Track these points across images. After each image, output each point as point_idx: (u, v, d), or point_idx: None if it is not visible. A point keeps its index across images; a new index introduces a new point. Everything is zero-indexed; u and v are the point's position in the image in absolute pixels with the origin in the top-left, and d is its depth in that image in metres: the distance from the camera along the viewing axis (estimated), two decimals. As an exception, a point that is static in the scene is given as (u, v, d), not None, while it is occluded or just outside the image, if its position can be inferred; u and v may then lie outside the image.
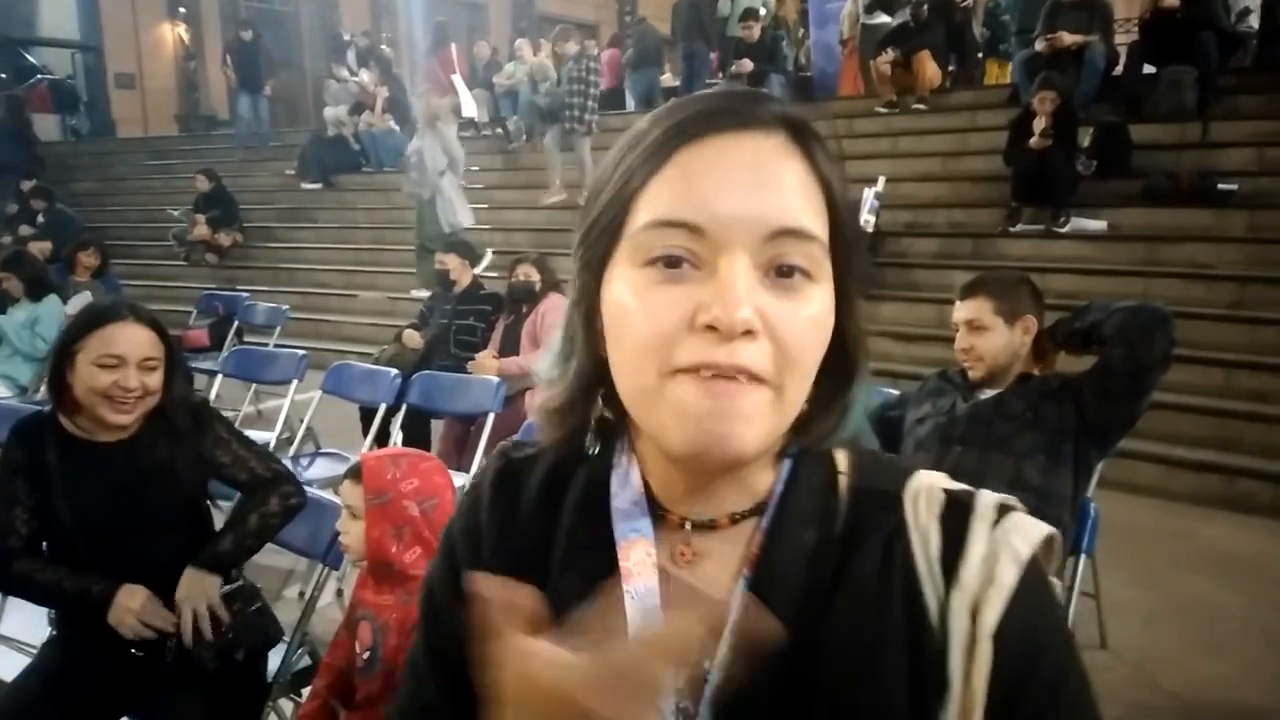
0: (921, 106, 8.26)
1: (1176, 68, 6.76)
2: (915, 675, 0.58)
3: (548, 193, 8.72)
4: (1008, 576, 0.58)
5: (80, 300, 5.31)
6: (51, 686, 1.88)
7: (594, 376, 0.65)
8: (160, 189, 11.18)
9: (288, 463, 3.62)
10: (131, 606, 1.80)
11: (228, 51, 11.63)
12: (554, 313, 4.23)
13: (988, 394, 2.34)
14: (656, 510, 0.66)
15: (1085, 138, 6.46)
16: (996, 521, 0.61)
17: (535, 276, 4.33)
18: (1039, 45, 7.11)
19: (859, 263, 0.63)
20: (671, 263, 0.57)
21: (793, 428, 0.62)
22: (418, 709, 0.74)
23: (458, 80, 9.06)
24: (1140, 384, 2.19)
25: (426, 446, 4.18)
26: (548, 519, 0.69)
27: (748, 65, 8.50)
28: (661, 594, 0.63)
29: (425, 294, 6.04)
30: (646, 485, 0.67)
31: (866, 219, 6.38)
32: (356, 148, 10.61)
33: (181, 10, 15.01)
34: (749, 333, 0.55)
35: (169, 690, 1.86)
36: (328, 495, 2.23)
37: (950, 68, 8.85)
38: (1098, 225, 6.34)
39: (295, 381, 4.17)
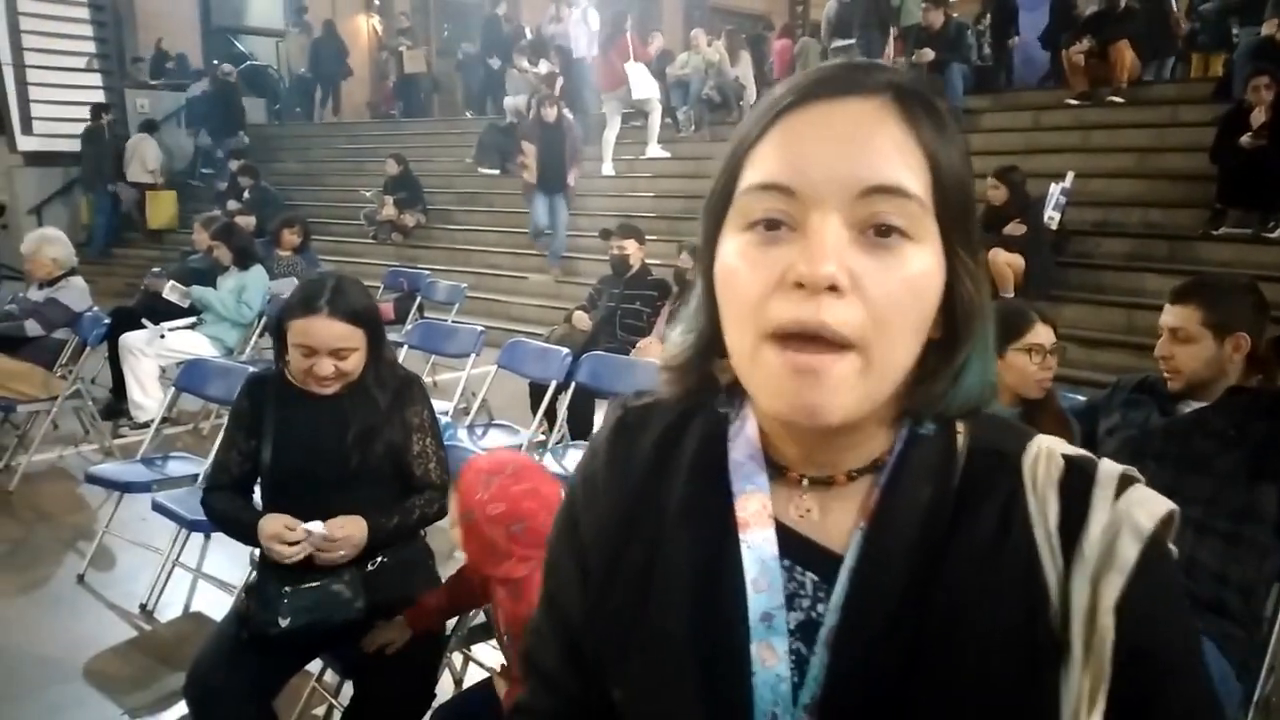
0: (1117, 99, 7.77)
1: None
2: (1030, 641, 0.58)
3: None
4: (1130, 551, 0.57)
5: (287, 284, 5.74)
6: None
7: (710, 337, 0.66)
8: (353, 171, 11.88)
9: (463, 432, 3.85)
10: (265, 531, 1.94)
11: (523, 138, 8.67)
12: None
13: (1190, 407, 2.19)
14: (774, 466, 0.68)
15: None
16: (1119, 493, 0.60)
17: (690, 264, 4.37)
18: (1271, 29, 6.55)
19: (970, 221, 0.62)
20: (771, 225, 0.59)
21: (906, 393, 0.62)
22: (543, 687, 0.78)
23: (630, 67, 9.16)
24: None
25: (591, 424, 4.31)
26: (661, 471, 0.72)
27: (929, 55, 8.22)
28: (779, 544, 0.65)
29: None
30: (764, 442, 0.68)
31: (1051, 215, 6.08)
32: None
33: (376, 3, 15.90)
34: (835, 289, 0.55)
35: (358, 634, 2.00)
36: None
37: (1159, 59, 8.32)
38: (1312, 231, 5.81)
39: (473, 356, 4.38)
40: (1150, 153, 7.17)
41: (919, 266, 0.58)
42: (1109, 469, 0.61)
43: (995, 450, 0.64)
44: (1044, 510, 0.60)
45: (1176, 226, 6.39)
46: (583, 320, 4.83)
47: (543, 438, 4.08)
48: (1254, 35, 6.96)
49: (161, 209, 11.79)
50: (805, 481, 0.66)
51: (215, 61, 12.89)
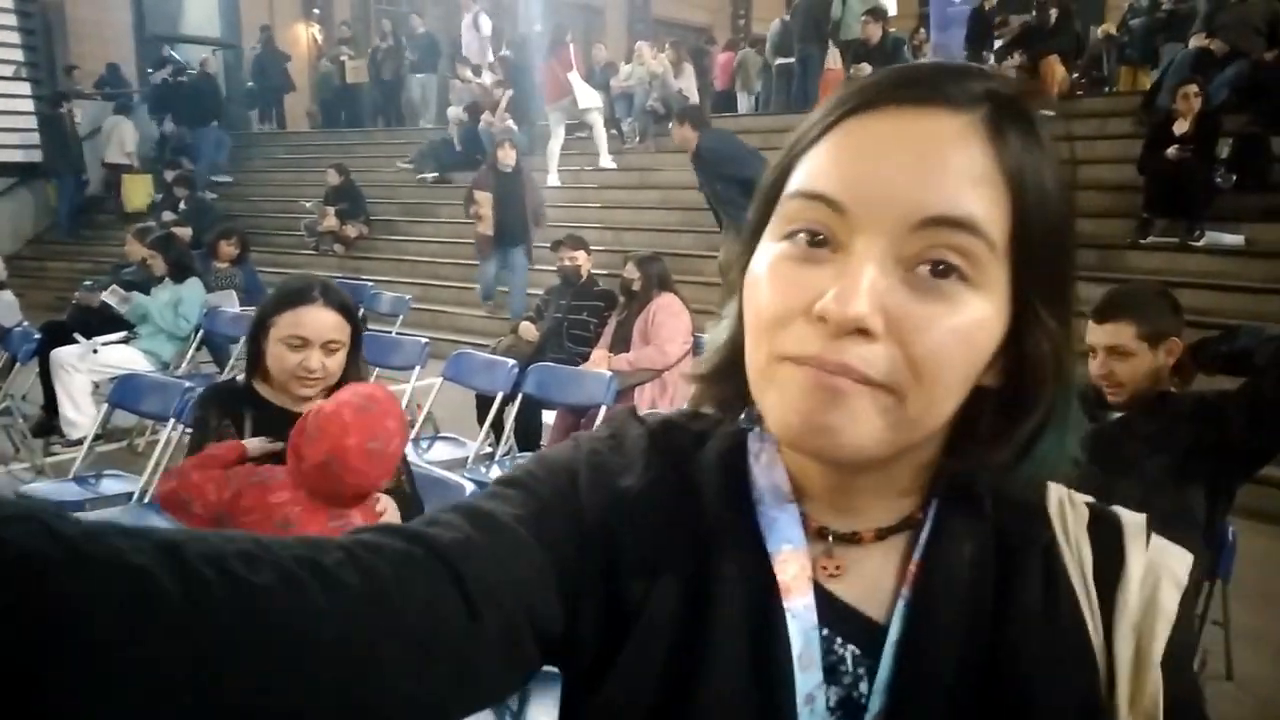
0: (1048, 112, 7.95)
1: (1325, 76, 6.43)
2: (1092, 708, 0.54)
3: None
4: (1170, 602, 0.55)
5: (224, 296, 5.62)
6: None
7: (741, 347, 0.57)
8: (293, 182, 11.70)
9: (409, 446, 3.81)
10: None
11: (474, 188, 7.50)
12: (665, 312, 4.28)
13: (1116, 413, 2.25)
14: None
15: (1224, 149, 6.17)
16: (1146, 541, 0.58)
17: (635, 275, 4.39)
18: (1202, 42, 6.84)
19: (1059, 272, 0.54)
20: (813, 237, 0.51)
21: (948, 447, 0.57)
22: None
23: (573, 77, 9.19)
24: None
25: (538, 435, 4.30)
26: (682, 493, 0.60)
27: (866, 69, 8.37)
28: (819, 611, 0.57)
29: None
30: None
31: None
32: (459, 149, 10.72)
33: (315, 11, 15.70)
34: (864, 332, 0.48)
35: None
36: (453, 476, 2.33)
37: (1074, 75, 8.60)
38: (1234, 240, 6.05)
39: (417, 368, 4.35)
40: (1080, 164, 7.35)
41: (971, 316, 0.50)
42: (1133, 516, 0.59)
43: (1021, 500, 0.58)
44: (1079, 559, 0.57)
45: (1106, 236, 6.57)
46: (530, 331, 4.82)
47: (490, 450, 4.06)
48: (1181, 50, 7.21)
49: (137, 192, 11.62)
50: (830, 537, 0.58)
51: (152, 66, 12.71)
